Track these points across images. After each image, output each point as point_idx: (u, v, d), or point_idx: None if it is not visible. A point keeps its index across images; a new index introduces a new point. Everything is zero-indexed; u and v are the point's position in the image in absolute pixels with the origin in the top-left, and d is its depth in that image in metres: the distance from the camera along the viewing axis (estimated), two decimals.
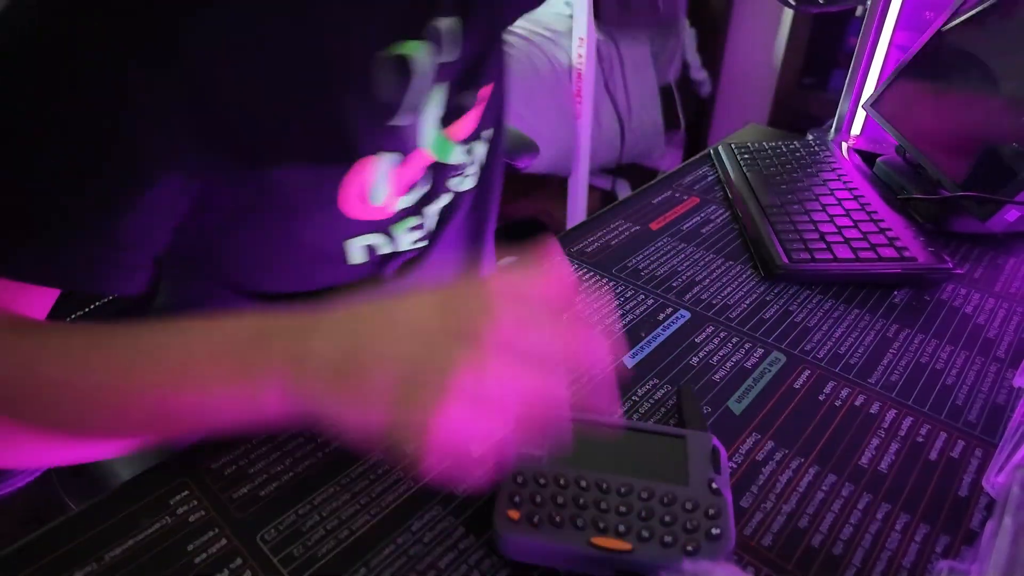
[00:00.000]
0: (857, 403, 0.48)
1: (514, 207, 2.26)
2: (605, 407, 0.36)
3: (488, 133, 0.65)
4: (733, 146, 0.86)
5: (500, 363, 0.31)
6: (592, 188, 2.20)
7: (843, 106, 0.91)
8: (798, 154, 0.83)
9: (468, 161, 0.63)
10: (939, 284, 0.62)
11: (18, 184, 0.40)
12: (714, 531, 0.35)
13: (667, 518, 0.36)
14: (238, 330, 0.37)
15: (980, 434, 0.46)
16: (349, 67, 0.49)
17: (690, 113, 2.35)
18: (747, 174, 0.79)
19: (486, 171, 0.66)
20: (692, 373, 0.51)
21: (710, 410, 0.48)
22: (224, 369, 0.36)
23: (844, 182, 0.76)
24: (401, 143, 0.54)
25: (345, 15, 0.49)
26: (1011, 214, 0.64)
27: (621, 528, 0.36)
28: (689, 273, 0.64)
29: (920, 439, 0.46)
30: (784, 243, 0.65)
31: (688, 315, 0.58)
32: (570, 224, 1.94)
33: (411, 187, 0.57)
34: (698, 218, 0.74)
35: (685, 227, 0.72)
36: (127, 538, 0.38)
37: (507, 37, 0.77)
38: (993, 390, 0.50)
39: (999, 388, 0.50)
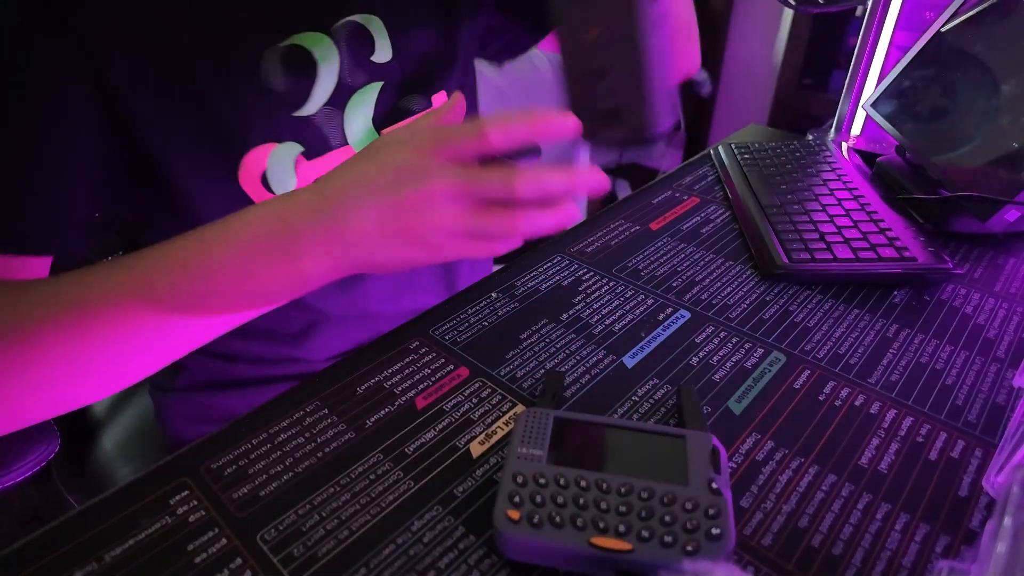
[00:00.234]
0: (857, 403, 0.48)
1: None
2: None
3: None
4: (733, 146, 0.86)
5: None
6: None
7: (843, 106, 0.91)
8: (798, 154, 0.83)
9: None
10: (939, 284, 0.62)
11: None
12: (714, 531, 0.35)
13: (667, 518, 0.36)
14: (258, 220, 0.43)
15: (980, 434, 0.46)
16: (240, 55, 0.51)
17: (690, 113, 2.35)
18: (747, 174, 0.79)
19: None
20: (692, 373, 0.51)
21: (710, 410, 0.48)
22: (262, 253, 0.42)
23: (844, 182, 0.76)
24: (309, 135, 0.55)
25: (243, 4, 0.51)
26: (1011, 214, 0.64)
27: (621, 528, 0.36)
28: (689, 273, 0.64)
29: (920, 439, 0.46)
30: (784, 243, 0.65)
31: (688, 315, 0.58)
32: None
33: None
34: (698, 218, 0.74)
35: (685, 227, 0.72)
36: (127, 538, 0.38)
37: None
38: (993, 390, 0.50)
39: (999, 388, 0.50)
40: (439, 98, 0.64)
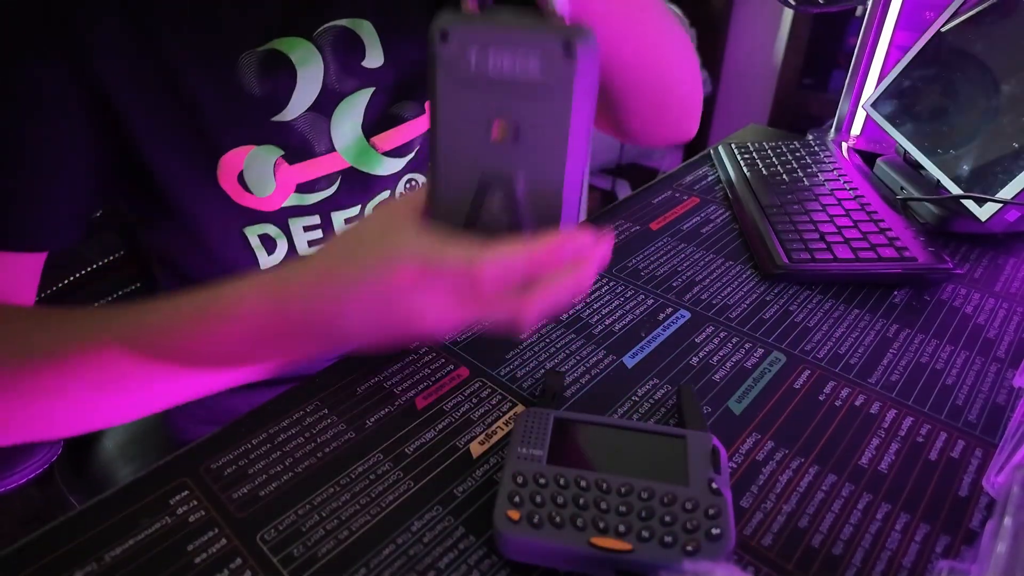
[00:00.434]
0: (857, 403, 0.48)
1: None
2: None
3: None
4: (733, 146, 0.86)
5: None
6: (592, 188, 2.20)
7: (843, 106, 0.91)
8: (798, 154, 0.83)
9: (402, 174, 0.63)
10: (939, 284, 0.62)
11: None
12: (714, 531, 0.35)
13: (667, 518, 0.36)
14: (254, 298, 0.41)
15: (980, 434, 0.46)
16: (220, 58, 0.51)
17: None
18: (747, 174, 0.79)
19: None
20: (692, 373, 0.51)
21: (710, 410, 0.48)
22: (252, 334, 0.40)
23: (844, 182, 0.76)
24: (290, 140, 0.55)
25: (223, 9, 0.50)
26: (1011, 214, 0.64)
27: (621, 528, 0.36)
28: (689, 273, 0.64)
29: (920, 439, 0.46)
30: (784, 243, 0.65)
31: (688, 315, 0.58)
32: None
33: (309, 186, 0.57)
34: (698, 218, 0.74)
35: (685, 227, 0.72)
36: (127, 538, 0.38)
37: None
38: (993, 390, 0.50)
39: (999, 388, 0.50)
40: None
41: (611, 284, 0.62)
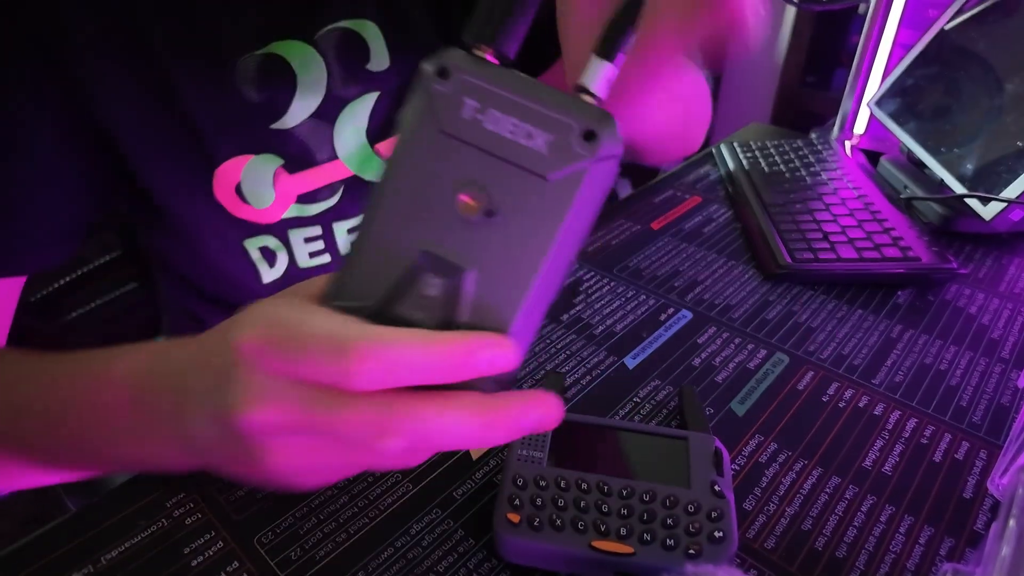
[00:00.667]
0: (861, 404, 0.48)
1: None
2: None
3: None
4: (735, 145, 0.86)
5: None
6: None
7: (846, 104, 0.90)
8: (801, 153, 0.83)
9: None
10: (943, 284, 0.62)
11: None
12: (717, 534, 0.35)
13: (669, 521, 0.36)
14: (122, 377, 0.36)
15: (984, 435, 0.46)
16: (215, 63, 0.48)
17: None
18: (750, 173, 0.78)
19: None
20: (694, 374, 0.51)
21: (712, 411, 0.48)
22: (115, 417, 0.36)
23: (847, 181, 0.75)
24: (290, 148, 0.52)
25: (217, 11, 0.48)
26: (1016, 214, 0.64)
27: (623, 531, 0.35)
28: (691, 273, 0.63)
29: (924, 441, 0.45)
30: (787, 243, 0.64)
31: (690, 315, 0.57)
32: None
33: (311, 196, 0.55)
34: (700, 217, 0.73)
35: (687, 227, 0.72)
36: (124, 540, 0.38)
37: None
38: (997, 391, 0.49)
39: (1003, 389, 0.50)
40: None
41: (612, 284, 0.62)
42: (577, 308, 0.58)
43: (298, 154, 0.53)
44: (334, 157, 0.55)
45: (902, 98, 0.80)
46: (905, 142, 0.77)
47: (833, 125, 0.92)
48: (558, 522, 0.36)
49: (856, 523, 0.40)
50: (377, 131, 0.56)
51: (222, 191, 0.52)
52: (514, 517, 0.36)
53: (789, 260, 0.62)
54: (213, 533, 0.38)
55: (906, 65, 0.80)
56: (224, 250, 0.56)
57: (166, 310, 0.68)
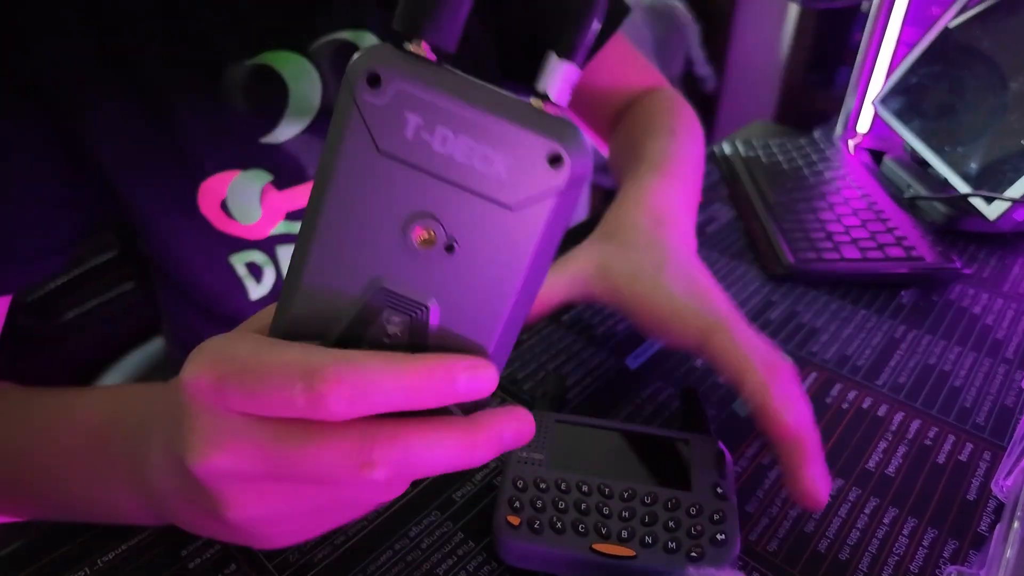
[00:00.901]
0: (864, 405, 0.48)
1: None
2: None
3: None
4: (738, 143, 0.86)
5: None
6: (594, 186, 2.20)
7: (849, 103, 0.90)
8: (804, 152, 0.82)
9: None
10: (947, 284, 0.61)
11: None
12: (719, 536, 0.35)
13: (671, 523, 0.35)
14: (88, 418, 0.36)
15: (988, 437, 0.45)
16: (203, 74, 0.47)
17: (694, 109, 2.34)
18: (752, 172, 0.78)
19: None
20: (696, 375, 0.51)
21: (715, 413, 0.47)
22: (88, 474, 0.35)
23: (851, 180, 0.75)
24: (280, 164, 0.51)
25: (206, 19, 0.46)
26: (1020, 213, 0.63)
27: (624, 534, 0.35)
28: None
29: (928, 442, 0.45)
30: (790, 242, 0.64)
31: None
32: (572, 223, 1.93)
33: (300, 213, 0.54)
34: (702, 217, 0.73)
35: None
36: (120, 543, 0.38)
37: None
38: (1002, 392, 0.49)
39: (1008, 390, 0.49)
40: None
41: None
42: (577, 308, 0.58)
43: (288, 170, 0.51)
44: None
45: (906, 96, 0.79)
46: (909, 141, 0.76)
47: (836, 123, 0.92)
48: (559, 525, 0.35)
49: (859, 525, 0.39)
50: None
51: (207, 206, 0.50)
52: (514, 520, 0.36)
53: (792, 260, 0.61)
54: None
55: (910, 63, 0.79)
56: (208, 265, 0.54)
57: (164, 313, 0.67)
